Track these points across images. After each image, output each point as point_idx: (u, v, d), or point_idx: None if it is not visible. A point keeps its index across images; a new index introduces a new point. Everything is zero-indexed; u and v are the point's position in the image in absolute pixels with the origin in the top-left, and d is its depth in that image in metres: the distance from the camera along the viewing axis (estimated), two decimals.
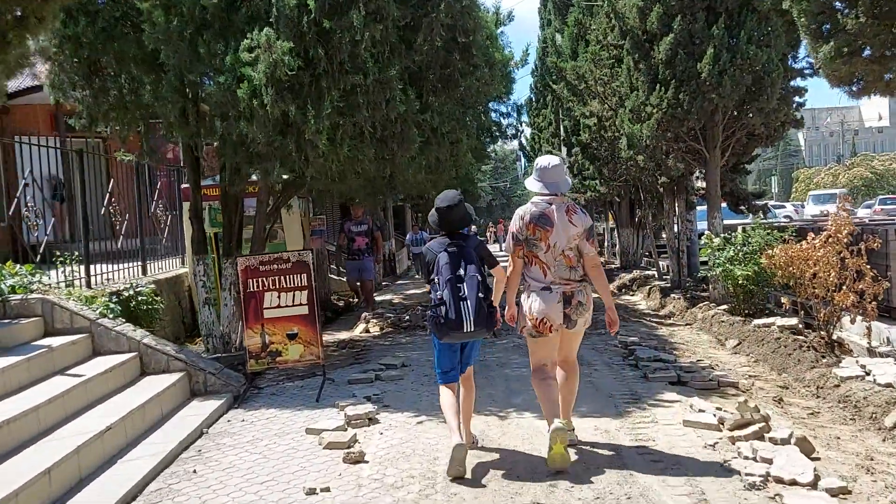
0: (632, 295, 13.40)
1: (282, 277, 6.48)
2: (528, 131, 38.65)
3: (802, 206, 37.54)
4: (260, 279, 6.48)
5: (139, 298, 7.92)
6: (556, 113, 24.59)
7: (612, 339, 8.27)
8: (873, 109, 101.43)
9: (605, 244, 22.06)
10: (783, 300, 8.22)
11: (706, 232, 9.32)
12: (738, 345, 8.05)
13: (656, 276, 13.93)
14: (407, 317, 10.38)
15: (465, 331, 4.21)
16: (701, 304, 9.89)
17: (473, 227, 5.79)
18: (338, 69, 6.34)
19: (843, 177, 62.88)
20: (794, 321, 7.77)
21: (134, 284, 8.08)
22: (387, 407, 5.81)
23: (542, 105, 28.55)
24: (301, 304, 6.49)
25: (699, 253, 9.33)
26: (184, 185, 9.99)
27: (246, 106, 6.28)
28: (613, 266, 18.18)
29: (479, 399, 5.37)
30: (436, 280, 4.35)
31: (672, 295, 11.11)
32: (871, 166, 63.67)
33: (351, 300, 15.13)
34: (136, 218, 9.97)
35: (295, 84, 6.28)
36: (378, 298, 15.41)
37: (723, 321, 8.88)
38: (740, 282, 8.59)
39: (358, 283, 11.82)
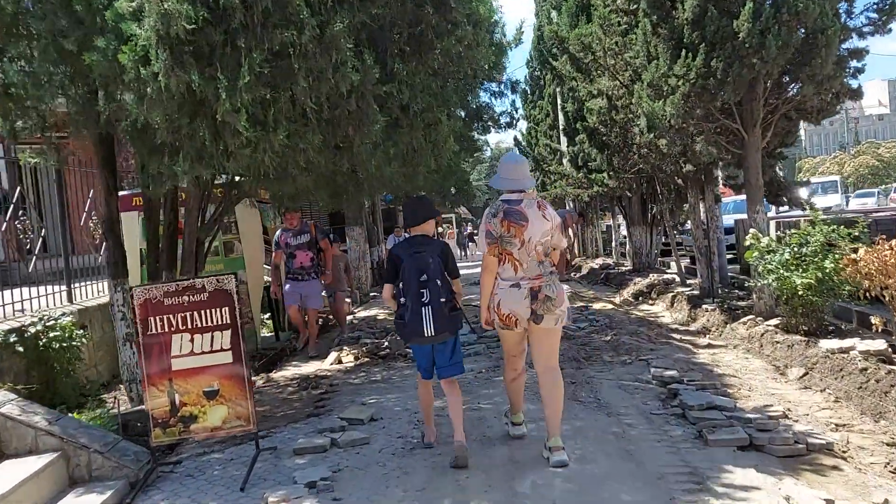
0: (652, 304, 11.60)
1: (196, 314, 4.68)
2: (523, 125, 36.92)
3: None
4: (165, 317, 4.68)
5: (52, 335, 6.20)
6: (553, 103, 22.84)
7: (642, 371, 6.48)
8: (873, 96, 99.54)
9: (613, 244, 20.26)
10: (874, 320, 6.40)
11: (751, 230, 7.53)
12: (804, 375, 6.27)
13: (678, 280, 12.12)
14: (386, 343, 8.59)
15: (425, 335, 4.31)
16: (744, 320, 8.09)
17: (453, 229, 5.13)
18: (260, 22, 4.55)
19: (848, 165, 61.25)
20: (880, 345, 5.98)
21: (46, 316, 6.34)
22: (336, 502, 4.02)
23: (539, 96, 26.87)
24: (223, 350, 4.69)
25: (745, 256, 7.52)
26: (123, 192, 8.23)
27: (133, 77, 4.50)
28: (624, 268, 16.38)
29: None
30: (400, 285, 4.41)
31: (704, 306, 9.32)
32: (877, 154, 62.04)
33: (329, 319, 13.36)
34: (61, 232, 8.17)
35: (200, 44, 4.50)
36: (361, 314, 13.60)
37: (777, 341, 7.09)
38: (800, 292, 6.80)
39: (310, 313, 8.81)
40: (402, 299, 4.37)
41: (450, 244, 5.43)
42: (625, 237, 22.24)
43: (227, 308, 4.68)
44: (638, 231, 14.81)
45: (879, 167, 59.89)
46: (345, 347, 8.78)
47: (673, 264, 16.40)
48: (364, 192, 6.92)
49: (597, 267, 18.06)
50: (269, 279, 10.03)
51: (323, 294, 9.31)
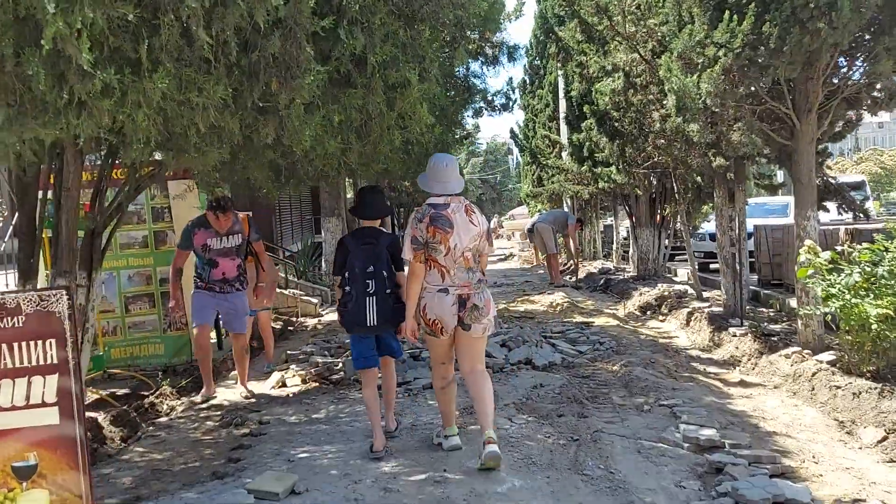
0: (662, 320, 9.99)
1: (3, 348, 3.04)
2: (521, 117, 35.31)
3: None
4: None
5: None
6: (554, 92, 21.20)
7: (667, 425, 4.87)
8: None
9: (615, 246, 18.65)
10: None
11: (807, 243, 5.91)
12: (884, 439, 4.69)
13: (692, 293, 10.53)
14: (341, 364, 6.95)
15: (367, 325, 4.40)
16: (787, 352, 6.50)
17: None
18: None
19: (851, 171, 59.81)
20: None
21: None
22: None
23: (538, 86, 25.23)
24: (45, 405, 3.05)
25: (798, 274, 5.90)
26: None
27: None
28: (626, 274, 14.79)
29: None
30: (347, 275, 4.48)
31: (731, 329, 7.72)
32: (880, 161, 60.72)
33: (292, 319, 11.72)
34: None
35: None
36: (329, 317, 11.98)
37: (836, 386, 5.51)
38: (874, 326, 5.21)
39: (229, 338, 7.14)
40: (348, 288, 4.44)
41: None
42: (625, 238, 20.66)
43: (53, 340, 3.04)
44: (645, 233, 13.20)
45: (882, 174, 58.64)
46: (292, 366, 7.15)
47: (682, 271, 14.84)
48: (302, 175, 5.26)
49: (595, 271, 16.46)
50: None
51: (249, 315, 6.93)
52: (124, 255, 8.01)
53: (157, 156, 4.90)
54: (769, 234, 10.94)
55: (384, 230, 4.68)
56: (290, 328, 10.81)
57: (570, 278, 16.04)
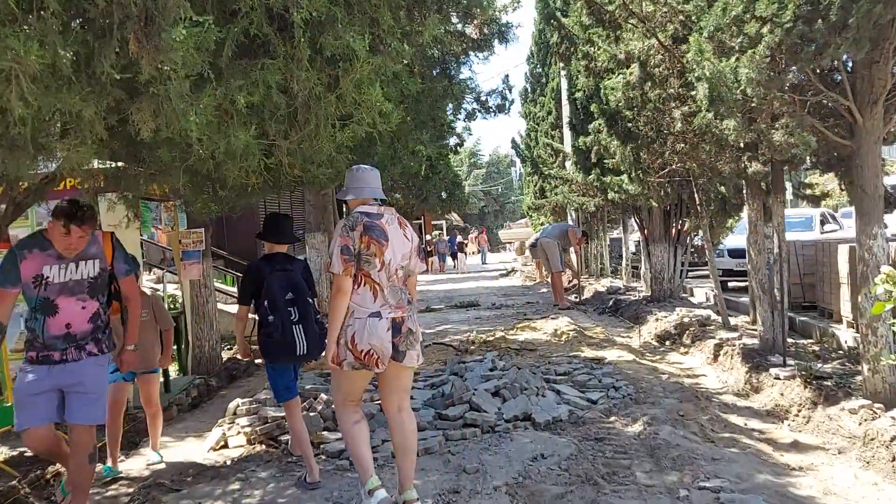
0: (685, 353, 8.64)
1: None
2: (522, 127, 34.06)
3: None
4: None
5: None
6: (557, 98, 19.96)
7: None
8: None
9: (624, 262, 17.30)
10: None
11: (884, 270, 4.58)
12: None
13: (716, 319, 9.20)
14: None
15: (297, 354, 4.27)
16: (852, 406, 5.17)
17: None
18: None
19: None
20: None
21: None
22: None
23: (540, 93, 24.04)
24: None
25: (874, 310, 4.57)
26: None
27: None
28: (638, 294, 13.46)
29: None
30: (265, 303, 4.26)
31: (772, 371, 6.38)
32: (884, 169, 59.49)
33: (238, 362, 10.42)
34: None
35: None
36: None
37: None
38: None
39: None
40: (271, 318, 4.23)
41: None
42: (634, 253, 19.35)
43: None
44: (658, 249, 11.87)
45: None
46: (237, 421, 5.83)
47: (699, 291, 13.51)
48: (227, 183, 3.97)
49: (603, 290, 15.12)
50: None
51: (124, 380, 4.99)
52: None
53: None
54: (799, 251, 9.66)
55: (294, 256, 4.60)
56: (256, 362, 9.49)
57: (575, 297, 14.72)
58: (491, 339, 9.33)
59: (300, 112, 3.30)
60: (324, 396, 5.88)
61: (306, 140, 3.41)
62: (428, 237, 33.25)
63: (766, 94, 5.19)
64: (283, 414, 5.70)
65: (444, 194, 30.12)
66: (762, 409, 5.98)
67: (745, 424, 5.54)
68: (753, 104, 5.36)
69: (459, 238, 33.24)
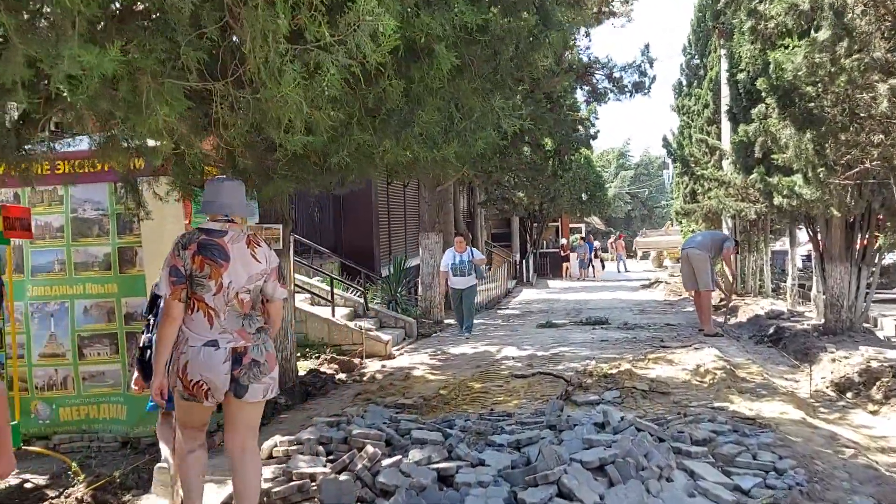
0: (874, 412, 6.44)
1: None
2: (675, 123, 31.73)
3: None
4: None
5: None
6: (715, 90, 17.55)
7: None
8: None
9: (789, 281, 14.71)
10: None
11: None
12: None
13: None
14: (332, 475, 4.25)
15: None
16: None
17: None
18: None
19: None
20: None
21: None
22: None
23: (697, 85, 21.59)
24: None
25: None
26: None
27: None
28: (806, 322, 11.09)
29: None
30: (152, 321, 4.04)
31: None
32: None
33: (354, 361, 9.21)
34: None
35: None
36: (400, 361, 9.46)
37: None
38: None
39: None
40: (148, 335, 4.05)
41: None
42: (801, 270, 16.62)
43: None
44: (838, 270, 9.52)
45: None
46: (267, 471, 4.56)
47: (887, 322, 10.93)
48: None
49: (761, 314, 12.75)
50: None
51: None
52: (80, 280, 5.83)
53: None
54: None
55: None
56: (337, 378, 8.31)
57: (723, 320, 12.51)
58: (614, 371, 7.60)
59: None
60: (370, 449, 4.48)
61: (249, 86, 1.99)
62: (563, 241, 31.29)
63: None
64: (312, 470, 4.37)
65: (584, 196, 28.13)
66: None
67: None
68: None
69: (597, 244, 30.93)
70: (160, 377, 3.36)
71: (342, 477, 4.11)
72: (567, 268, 29.87)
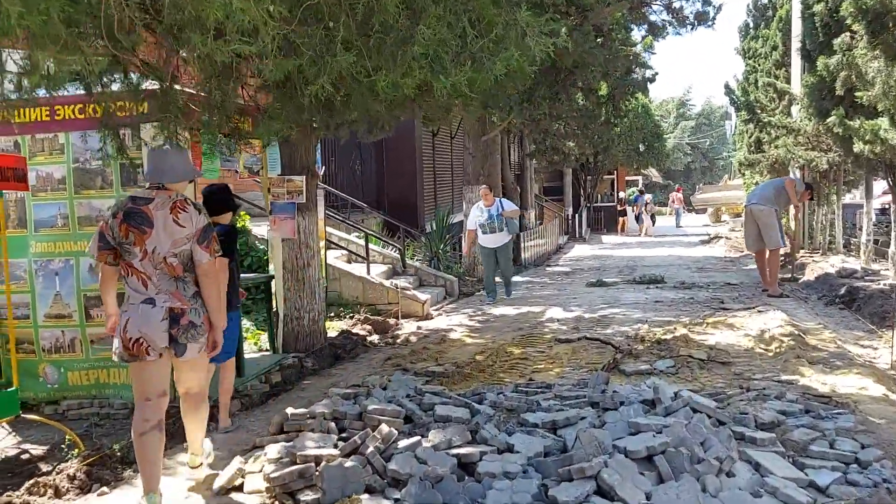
0: None
1: None
2: (739, 69, 30.10)
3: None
4: None
5: None
6: (785, 30, 16.22)
7: None
8: None
9: (863, 237, 13.57)
10: None
11: None
12: None
13: None
14: (338, 460, 3.76)
15: None
16: None
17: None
18: None
19: None
20: None
21: None
22: None
23: (765, 26, 20.11)
24: None
25: None
26: None
27: None
28: (886, 282, 10.13)
29: None
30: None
31: None
32: None
33: (389, 321, 8.74)
34: None
35: None
36: (437, 322, 8.97)
37: None
38: None
39: None
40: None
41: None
42: (877, 225, 15.47)
43: None
44: None
45: None
46: (268, 449, 4.11)
47: None
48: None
49: (832, 272, 11.77)
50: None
51: None
52: (85, 235, 5.41)
53: None
54: None
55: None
56: (368, 340, 7.85)
57: (790, 276, 11.61)
58: (668, 337, 6.94)
59: None
60: (385, 429, 3.97)
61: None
62: (622, 194, 30.12)
63: None
64: (317, 452, 3.88)
65: (641, 146, 26.88)
66: None
67: None
68: None
69: (647, 197, 29.44)
70: (112, 318, 3.66)
71: (349, 462, 3.62)
72: (624, 222, 28.79)
